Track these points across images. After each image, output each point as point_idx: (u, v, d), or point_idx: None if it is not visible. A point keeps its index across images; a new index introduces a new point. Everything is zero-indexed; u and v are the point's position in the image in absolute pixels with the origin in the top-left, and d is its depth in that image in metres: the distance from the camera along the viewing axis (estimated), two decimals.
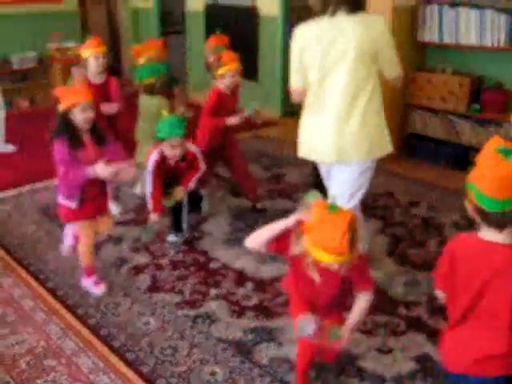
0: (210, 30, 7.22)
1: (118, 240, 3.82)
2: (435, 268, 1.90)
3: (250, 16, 6.76)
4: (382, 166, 4.06)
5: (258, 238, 2.22)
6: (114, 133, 3.67)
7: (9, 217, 4.20)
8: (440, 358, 2.00)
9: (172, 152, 3.48)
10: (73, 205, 3.04)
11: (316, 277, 2.04)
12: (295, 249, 2.05)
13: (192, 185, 3.66)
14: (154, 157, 3.53)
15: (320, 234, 1.91)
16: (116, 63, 9.46)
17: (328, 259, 1.92)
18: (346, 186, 3.00)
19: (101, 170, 2.89)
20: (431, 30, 4.94)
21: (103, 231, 3.33)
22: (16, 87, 7.43)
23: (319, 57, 2.81)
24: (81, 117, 2.92)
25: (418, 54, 5.12)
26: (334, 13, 2.79)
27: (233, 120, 3.94)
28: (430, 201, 4.44)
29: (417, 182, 4.77)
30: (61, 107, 2.93)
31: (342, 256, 1.91)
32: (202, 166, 3.66)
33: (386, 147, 3.01)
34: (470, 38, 4.72)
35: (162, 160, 3.54)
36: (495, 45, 4.58)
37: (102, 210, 3.21)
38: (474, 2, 4.61)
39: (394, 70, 2.97)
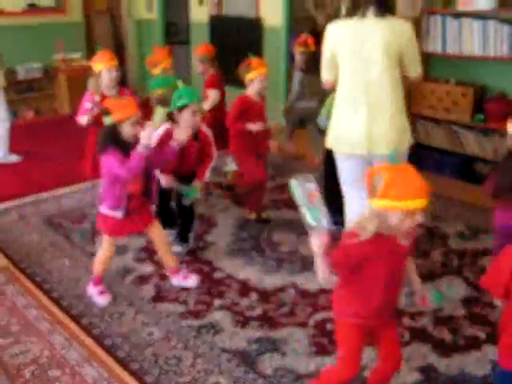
0: (214, 41, 7.31)
1: (122, 249, 3.82)
2: (488, 278, 2.04)
3: (254, 27, 6.80)
4: None
5: (323, 279, 2.19)
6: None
7: (13, 227, 4.21)
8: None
9: (193, 120, 3.38)
10: (119, 215, 3.07)
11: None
12: (364, 234, 1.98)
13: (207, 175, 3.63)
14: (160, 131, 3.37)
15: (401, 185, 1.91)
16: (121, 74, 9.50)
17: (420, 204, 1.93)
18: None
19: (144, 134, 2.89)
20: (435, 40, 4.96)
21: (158, 242, 3.31)
22: (21, 98, 7.47)
23: (351, 55, 3.01)
24: (130, 130, 2.94)
25: (421, 64, 5.12)
26: (363, 14, 2.97)
27: (253, 126, 3.96)
28: (435, 211, 4.43)
29: None
30: (111, 119, 2.93)
31: (427, 197, 1.93)
32: (215, 154, 3.64)
33: (408, 141, 3.16)
34: (473, 48, 4.73)
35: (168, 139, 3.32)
36: (498, 55, 4.59)
37: (148, 223, 3.23)
38: (476, 13, 4.63)
39: (416, 70, 3.16)
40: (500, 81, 4.82)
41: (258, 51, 6.66)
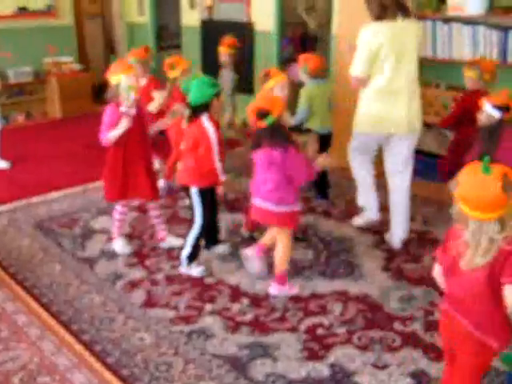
0: (205, 45, 7.33)
1: (113, 255, 3.81)
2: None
3: (246, 31, 6.81)
4: (377, 181, 4.09)
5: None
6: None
7: (4, 231, 4.18)
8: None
9: (218, 104, 3.53)
10: (300, 206, 3.35)
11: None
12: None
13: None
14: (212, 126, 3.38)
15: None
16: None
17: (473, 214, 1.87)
18: (402, 157, 3.81)
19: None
20: (425, 45, 4.98)
21: None
22: (12, 102, 7.43)
23: (395, 51, 3.54)
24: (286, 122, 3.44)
25: None
26: (394, 17, 3.53)
27: None
28: (425, 215, 4.44)
29: (412, 197, 4.76)
30: (272, 118, 3.08)
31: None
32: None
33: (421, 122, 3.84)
34: (463, 53, 4.75)
35: None
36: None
37: None
38: (466, 19, 4.65)
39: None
40: (490, 85, 4.84)
41: (249, 55, 6.69)
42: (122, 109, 3.48)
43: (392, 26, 3.53)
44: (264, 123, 3.07)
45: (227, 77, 5.38)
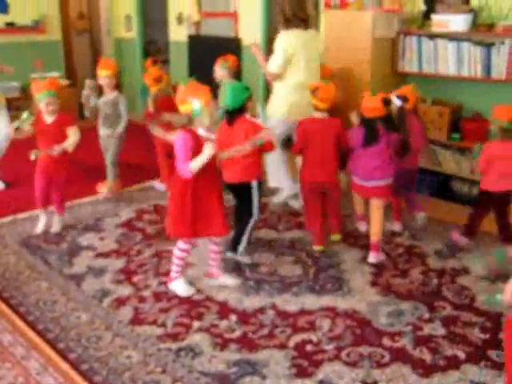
0: (193, 59, 7.37)
1: (100, 272, 3.78)
2: None
3: (233, 45, 6.85)
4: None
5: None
6: None
7: None
8: None
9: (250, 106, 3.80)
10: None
11: None
12: None
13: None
14: None
15: None
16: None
17: None
18: None
19: None
20: (411, 60, 5.04)
21: None
22: None
23: (304, 53, 4.51)
24: None
25: (398, 84, 5.19)
26: (298, 27, 4.51)
27: None
28: (413, 230, 4.46)
29: (400, 211, 4.79)
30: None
31: None
32: None
33: None
34: (448, 68, 4.81)
35: None
36: (472, 76, 4.67)
37: None
38: (451, 35, 4.71)
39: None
40: (475, 101, 4.91)
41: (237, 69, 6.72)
42: (203, 133, 3.23)
43: (298, 34, 4.51)
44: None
45: None
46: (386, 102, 3.80)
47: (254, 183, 3.74)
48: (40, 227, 4.44)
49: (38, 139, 4.28)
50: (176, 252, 3.49)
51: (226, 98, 3.64)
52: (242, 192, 3.80)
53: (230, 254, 3.91)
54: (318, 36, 4.81)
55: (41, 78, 4.16)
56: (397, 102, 4.01)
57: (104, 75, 5.00)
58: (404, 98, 4.04)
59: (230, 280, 3.63)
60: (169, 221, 3.42)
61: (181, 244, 3.47)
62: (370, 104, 3.81)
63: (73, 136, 4.23)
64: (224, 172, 3.76)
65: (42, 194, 4.40)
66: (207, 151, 3.15)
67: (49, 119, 4.25)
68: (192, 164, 3.16)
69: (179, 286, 3.52)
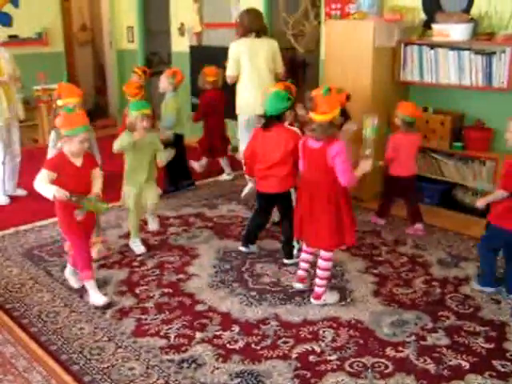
0: (194, 69, 7.39)
1: (102, 283, 3.77)
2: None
3: None
4: (368, 204, 4.11)
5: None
6: None
7: None
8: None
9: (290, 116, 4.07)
10: None
11: None
12: None
13: None
14: None
15: None
16: (103, 104, 9.53)
17: None
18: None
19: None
20: (412, 69, 5.05)
21: None
22: None
23: (250, 58, 5.22)
24: None
25: (400, 93, 5.21)
26: (251, 36, 5.27)
27: None
28: (416, 239, 4.45)
29: (402, 220, 4.79)
30: None
31: None
32: None
33: None
34: (449, 77, 4.82)
35: None
36: (474, 84, 4.68)
37: None
38: (451, 44, 4.72)
39: (280, 67, 5.40)
40: (477, 109, 4.91)
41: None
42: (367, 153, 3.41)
43: (247, 41, 5.25)
44: None
45: (170, 99, 5.66)
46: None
47: (292, 189, 3.91)
48: (100, 302, 3.51)
49: (66, 184, 3.32)
50: (323, 264, 3.45)
51: (267, 104, 3.86)
52: (281, 200, 3.99)
53: (288, 261, 4.03)
54: (271, 43, 5.33)
55: (69, 110, 3.47)
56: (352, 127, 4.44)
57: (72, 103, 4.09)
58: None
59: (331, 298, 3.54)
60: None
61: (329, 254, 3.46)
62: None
63: (99, 178, 3.56)
64: (262, 183, 3.97)
65: (89, 255, 3.64)
66: (366, 167, 3.36)
67: (78, 161, 3.42)
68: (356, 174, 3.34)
69: (330, 297, 3.52)
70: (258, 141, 3.90)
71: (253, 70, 5.23)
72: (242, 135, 5.47)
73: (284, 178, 3.85)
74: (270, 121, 3.81)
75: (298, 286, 3.67)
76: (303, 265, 3.65)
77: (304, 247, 3.62)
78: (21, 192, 5.61)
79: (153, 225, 4.55)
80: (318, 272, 3.46)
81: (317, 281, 3.47)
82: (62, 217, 3.53)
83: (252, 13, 5.33)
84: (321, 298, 3.47)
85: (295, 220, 3.53)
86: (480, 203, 3.60)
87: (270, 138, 3.81)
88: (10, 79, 5.25)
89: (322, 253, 3.44)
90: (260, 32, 5.26)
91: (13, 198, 5.51)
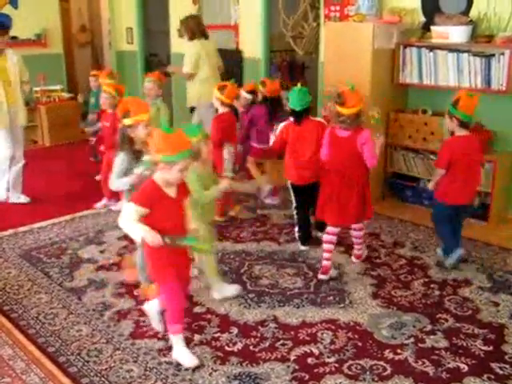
0: None
1: (101, 285, 3.77)
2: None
3: (235, 57, 6.90)
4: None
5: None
6: None
7: None
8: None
9: None
10: None
11: None
12: None
13: None
14: None
15: None
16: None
17: None
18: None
19: None
20: (411, 72, 5.05)
21: None
22: None
23: (206, 56, 5.93)
24: None
25: (399, 95, 5.21)
26: (200, 38, 5.98)
27: None
28: (415, 241, 4.45)
29: (401, 223, 4.79)
30: None
31: None
32: None
33: None
34: (448, 79, 4.82)
35: None
36: (472, 86, 4.67)
37: None
38: (450, 46, 4.72)
39: (220, 61, 6.25)
40: (476, 112, 4.89)
41: (238, 82, 6.76)
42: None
43: (202, 42, 5.95)
44: None
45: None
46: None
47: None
48: (189, 363, 2.93)
49: (159, 221, 2.74)
50: (357, 233, 4.02)
51: (294, 101, 4.10)
52: (315, 188, 4.06)
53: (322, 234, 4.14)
54: (215, 42, 6.20)
55: (168, 130, 2.69)
56: (248, 96, 5.33)
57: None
58: (253, 92, 5.33)
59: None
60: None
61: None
62: None
63: (189, 208, 2.98)
64: (300, 175, 4.19)
65: (183, 305, 3.05)
66: (380, 146, 3.85)
67: (172, 191, 2.78)
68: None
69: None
70: (290, 135, 4.17)
71: (210, 67, 5.97)
72: (205, 120, 5.54)
73: (318, 167, 4.04)
74: (301, 115, 4.11)
75: (324, 277, 3.84)
76: (326, 255, 3.85)
77: (326, 235, 3.89)
78: (23, 199, 5.45)
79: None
80: (356, 240, 4.04)
81: (356, 246, 4.06)
82: (152, 257, 2.88)
83: (195, 18, 6.18)
84: (362, 257, 4.08)
85: (319, 202, 3.88)
86: (430, 186, 4.00)
87: (304, 131, 4.14)
88: (14, 84, 5.14)
89: (355, 225, 3.97)
90: (205, 34, 6.05)
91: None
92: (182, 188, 2.84)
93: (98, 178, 5.63)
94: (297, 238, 4.42)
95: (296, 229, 4.44)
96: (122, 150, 3.38)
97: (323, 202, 3.85)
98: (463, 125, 3.78)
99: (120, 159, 3.36)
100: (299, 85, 4.31)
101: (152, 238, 2.67)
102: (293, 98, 4.12)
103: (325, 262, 3.84)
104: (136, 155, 3.32)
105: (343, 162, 3.73)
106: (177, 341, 2.95)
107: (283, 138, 4.22)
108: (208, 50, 6.00)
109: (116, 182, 3.39)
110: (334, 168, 3.78)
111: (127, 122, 3.31)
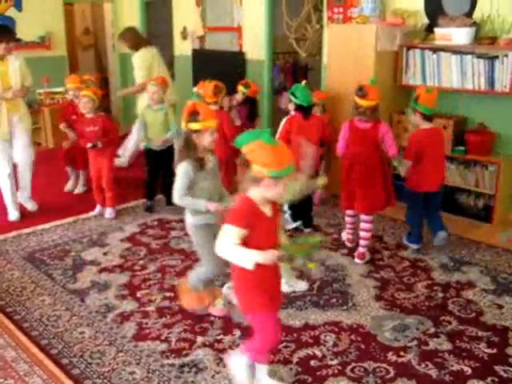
0: (197, 72, 7.43)
1: (104, 287, 3.77)
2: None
3: (238, 60, 6.90)
4: None
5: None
6: None
7: None
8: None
9: None
10: None
11: None
12: None
13: None
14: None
15: None
16: (106, 107, 9.52)
17: None
18: None
19: None
20: (414, 73, 5.04)
21: None
22: None
23: (154, 62, 6.13)
24: None
25: (402, 97, 5.20)
26: (144, 47, 6.14)
27: None
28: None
29: (404, 224, 4.77)
30: None
31: None
32: None
33: None
34: (452, 81, 4.81)
35: None
36: (476, 88, 4.67)
37: None
38: (454, 48, 4.72)
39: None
40: (479, 113, 4.90)
41: (242, 78, 6.79)
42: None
43: (149, 50, 6.14)
44: None
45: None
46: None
47: None
48: None
49: (257, 244, 2.39)
50: (366, 226, 4.13)
51: (302, 97, 4.34)
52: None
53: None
54: (156, 50, 6.29)
55: (273, 143, 2.33)
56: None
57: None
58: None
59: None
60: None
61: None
62: None
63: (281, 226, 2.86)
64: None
65: (279, 338, 2.84)
66: None
67: (267, 209, 2.45)
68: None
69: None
70: (294, 129, 4.33)
71: (160, 74, 5.94)
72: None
73: (318, 160, 4.27)
74: (309, 110, 4.40)
75: (349, 244, 4.38)
76: (349, 226, 4.38)
77: (347, 218, 4.38)
78: (31, 206, 5.29)
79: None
80: (362, 234, 4.12)
81: (361, 242, 4.14)
82: (249, 289, 2.54)
83: (132, 30, 6.36)
84: (365, 257, 4.12)
85: (344, 194, 4.19)
86: (402, 173, 4.13)
87: (310, 125, 4.34)
88: (14, 93, 4.87)
89: (364, 217, 4.10)
90: (149, 42, 6.31)
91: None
92: (275, 206, 2.51)
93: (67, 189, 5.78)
94: (289, 217, 4.73)
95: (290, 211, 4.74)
96: (185, 157, 3.09)
97: (349, 193, 4.12)
98: (426, 118, 4.03)
99: (183, 170, 3.07)
100: (304, 82, 4.60)
101: (266, 254, 2.34)
102: (302, 95, 4.35)
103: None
104: (199, 163, 3.09)
105: (366, 152, 3.97)
106: (263, 372, 2.69)
107: (288, 132, 4.36)
108: (156, 57, 6.18)
109: (183, 199, 3.09)
110: (356, 159, 4.02)
111: (195, 126, 3.05)
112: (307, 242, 2.55)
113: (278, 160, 2.29)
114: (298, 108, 4.39)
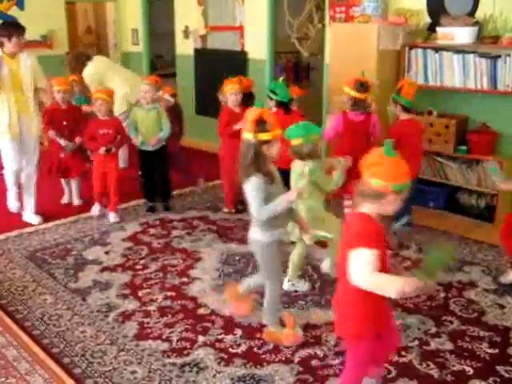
0: (199, 72, 7.43)
1: (105, 286, 3.77)
2: None
3: (239, 59, 6.90)
4: None
5: None
6: None
7: None
8: None
9: None
10: None
11: None
12: None
13: None
14: None
15: None
16: None
17: None
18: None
19: None
20: (417, 73, 5.03)
21: None
22: None
23: (116, 72, 6.38)
24: None
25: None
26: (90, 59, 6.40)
27: None
28: (420, 242, 4.43)
29: (406, 224, 4.76)
30: None
31: None
32: None
33: None
34: (454, 81, 4.80)
35: None
36: (478, 87, 4.66)
37: None
38: (456, 47, 4.71)
39: None
40: (482, 112, 4.89)
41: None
42: None
43: (95, 59, 6.44)
44: None
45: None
46: None
47: None
48: None
49: (383, 265, 2.18)
50: None
51: (283, 94, 4.57)
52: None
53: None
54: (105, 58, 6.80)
55: (393, 154, 2.18)
56: (170, 99, 5.63)
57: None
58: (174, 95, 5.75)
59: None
60: None
61: None
62: None
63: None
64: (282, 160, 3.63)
65: None
66: None
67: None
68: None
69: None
70: (279, 125, 4.18)
71: (121, 79, 6.30)
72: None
73: None
74: (288, 105, 4.60)
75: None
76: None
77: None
78: (35, 220, 4.95)
79: None
80: None
81: None
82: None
83: (73, 54, 6.79)
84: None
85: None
86: None
87: (291, 120, 4.09)
88: (27, 92, 4.72)
89: None
90: (88, 56, 6.59)
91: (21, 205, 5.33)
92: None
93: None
94: None
95: None
96: (255, 172, 2.84)
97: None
98: (406, 109, 4.28)
99: (256, 187, 2.84)
100: (281, 79, 4.85)
101: (413, 282, 2.08)
102: (281, 91, 4.60)
103: None
104: (269, 177, 2.88)
105: (359, 142, 4.16)
106: None
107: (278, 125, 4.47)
108: (107, 62, 6.58)
109: (265, 211, 2.87)
110: (349, 149, 4.05)
111: (264, 136, 2.81)
112: (436, 261, 2.25)
113: (401, 173, 2.15)
114: (279, 104, 4.59)
